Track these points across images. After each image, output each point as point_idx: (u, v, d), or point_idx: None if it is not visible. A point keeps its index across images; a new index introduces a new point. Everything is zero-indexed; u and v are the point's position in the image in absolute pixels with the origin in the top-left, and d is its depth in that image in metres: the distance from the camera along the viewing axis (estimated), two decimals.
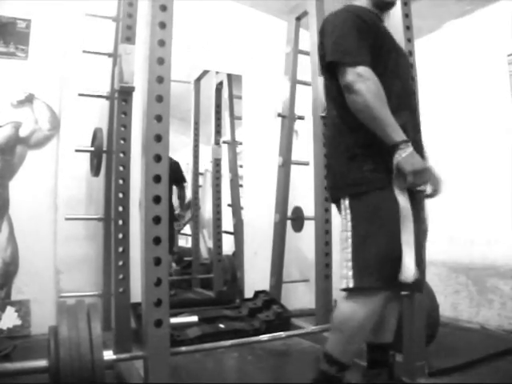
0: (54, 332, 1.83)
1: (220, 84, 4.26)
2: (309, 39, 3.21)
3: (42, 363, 1.79)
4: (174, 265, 4.28)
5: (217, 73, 4.28)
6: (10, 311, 3.19)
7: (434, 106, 3.60)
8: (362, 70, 1.68)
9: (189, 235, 4.54)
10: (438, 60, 3.81)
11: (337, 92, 1.81)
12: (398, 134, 1.65)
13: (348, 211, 1.78)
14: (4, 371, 1.84)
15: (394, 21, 2.39)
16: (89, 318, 1.83)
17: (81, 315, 1.83)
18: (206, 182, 4.48)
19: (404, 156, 1.63)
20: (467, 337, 3.12)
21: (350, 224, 1.76)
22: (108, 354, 1.83)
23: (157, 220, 1.73)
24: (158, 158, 1.74)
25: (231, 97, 4.20)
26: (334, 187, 1.92)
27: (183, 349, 2.20)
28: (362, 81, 1.66)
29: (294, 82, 3.36)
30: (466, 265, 3.62)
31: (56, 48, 3.41)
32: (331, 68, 1.79)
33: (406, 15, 2.38)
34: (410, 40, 2.37)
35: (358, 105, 1.67)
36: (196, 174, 4.42)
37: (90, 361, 1.71)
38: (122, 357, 2.02)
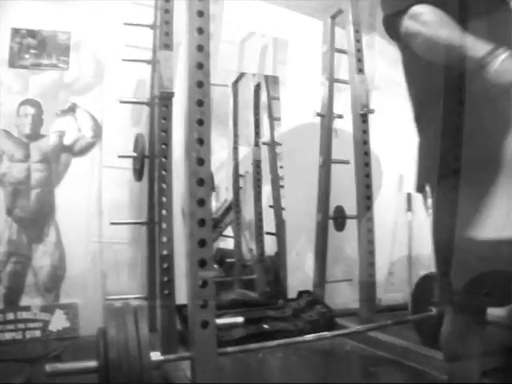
0: (102, 333, 1.87)
1: (258, 86, 4.27)
2: (345, 37, 3.20)
3: (92, 364, 1.83)
4: (215, 266, 4.31)
5: (254, 75, 4.30)
6: (58, 314, 3.28)
7: None
8: (415, 9, 1.44)
9: (230, 237, 4.56)
10: None
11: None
12: (482, 46, 1.33)
13: None
14: (55, 371, 1.89)
15: None
16: (136, 320, 1.86)
17: (128, 317, 1.87)
18: (247, 184, 4.49)
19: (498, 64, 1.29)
20: None
21: None
22: (155, 355, 1.86)
23: (201, 223, 1.75)
24: (201, 162, 1.76)
25: (269, 98, 4.21)
26: None
27: (229, 349, 2.22)
28: (418, 20, 1.43)
29: (332, 80, 3.35)
30: None
31: (94, 57, 3.50)
32: (393, 30, 1.55)
33: None
34: None
35: (423, 45, 1.44)
36: (236, 176, 4.43)
37: (137, 361, 1.74)
38: (169, 357, 2.05)
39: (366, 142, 3.02)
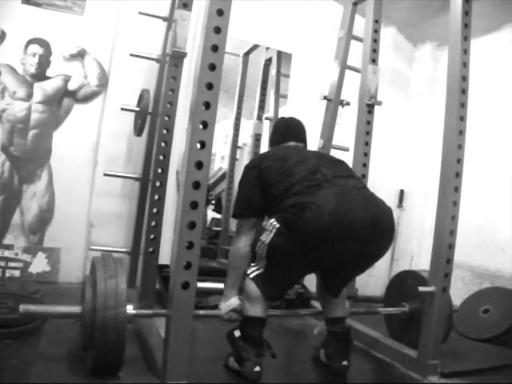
0: (88, 281, 1.92)
1: (269, 60, 4.25)
2: (363, 25, 3.18)
3: (75, 309, 1.88)
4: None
5: (267, 49, 4.27)
6: (40, 257, 3.30)
7: (487, 106, 3.57)
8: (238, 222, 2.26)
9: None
10: (493, 61, 3.73)
11: None
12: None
13: None
14: (38, 312, 1.93)
15: (453, 18, 2.36)
16: (116, 271, 1.88)
17: (109, 268, 1.89)
18: (243, 156, 4.50)
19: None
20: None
21: None
22: (131, 308, 1.88)
23: (196, 185, 1.76)
24: (204, 125, 1.76)
25: (279, 74, 4.20)
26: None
27: (202, 312, 2.27)
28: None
29: (344, 66, 3.33)
30: (492, 272, 3.59)
31: (112, 7, 3.46)
32: None
33: (466, 12, 2.33)
34: (466, 38, 2.33)
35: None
36: (235, 146, 4.44)
37: (114, 311, 1.78)
38: (144, 312, 2.08)
39: (368, 133, 3.02)
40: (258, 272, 2.08)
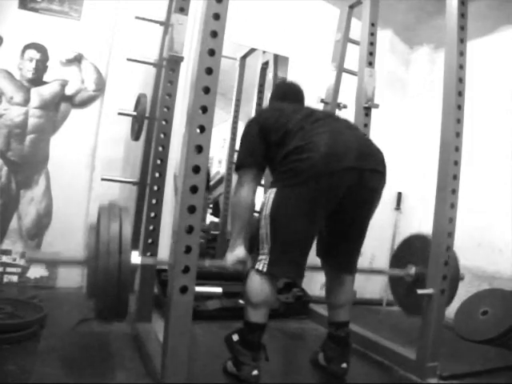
0: (93, 229, 1.94)
1: (266, 64, 4.26)
2: (359, 28, 3.19)
3: (79, 257, 1.94)
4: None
5: (264, 52, 4.28)
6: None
7: (484, 108, 3.58)
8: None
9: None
10: (490, 63, 3.74)
11: None
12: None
13: None
14: (44, 259, 1.90)
15: (449, 20, 2.37)
16: (120, 219, 1.88)
17: (113, 215, 1.88)
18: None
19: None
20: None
21: None
22: (135, 255, 1.90)
23: (194, 189, 1.75)
24: (202, 129, 1.76)
25: (276, 78, 4.20)
26: None
27: (207, 263, 2.38)
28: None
29: (341, 70, 3.34)
30: (490, 273, 3.59)
31: (109, 11, 3.47)
32: None
33: (462, 15, 2.34)
34: (462, 41, 2.34)
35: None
36: (232, 150, 4.44)
37: (117, 258, 1.78)
38: (148, 260, 2.30)
39: (365, 135, 3.02)
40: (265, 260, 2.04)
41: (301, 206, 1.99)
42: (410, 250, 2.74)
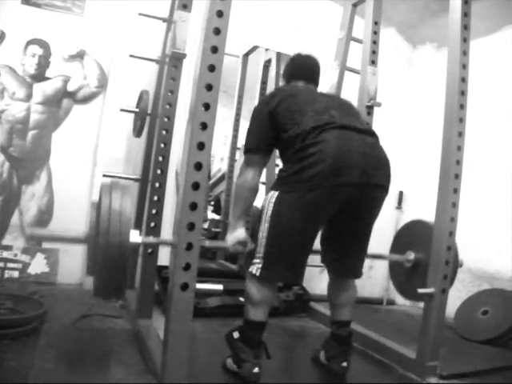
0: (94, 207, 1.98)
1: (268, 61, 4.24)
2: (362, 27, 3.18)
3: (79, 235, 1.94)
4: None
5: (266, 50, 4.27)
6: (39, 257, 3.30)
7: (486, 108, 3.57)
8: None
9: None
10: (492, 63, 3.73)
11: None
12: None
13: None
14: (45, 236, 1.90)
15: (452, 19, 2.36)
16: (122, 197, 1.86)
17: (115, 193, 1.86)
18: (242, 157, 4.49)
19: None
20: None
21: None
22: (136, 234, 1.87)
23: (196, 186, 1.75)
24: (204, 126, 1.76)
25: (278, 75, 4.19)
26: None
27: (207, 243, 2.41)
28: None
29: (343, 68, 3.33)
30: (491, 273, 3.58)
31: (112, 8, 3.46)
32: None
33: (465, 14, 2.33)
34: (465, 40, 2.33)
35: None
36: (234, 147, 4.44)
37: (117, 237, 1.76)
38: (149, 240, 2.27)
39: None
40: (258, 264, 2.04)
41: (301, 214, 1.97)
42: (409, 236, 2.72)
